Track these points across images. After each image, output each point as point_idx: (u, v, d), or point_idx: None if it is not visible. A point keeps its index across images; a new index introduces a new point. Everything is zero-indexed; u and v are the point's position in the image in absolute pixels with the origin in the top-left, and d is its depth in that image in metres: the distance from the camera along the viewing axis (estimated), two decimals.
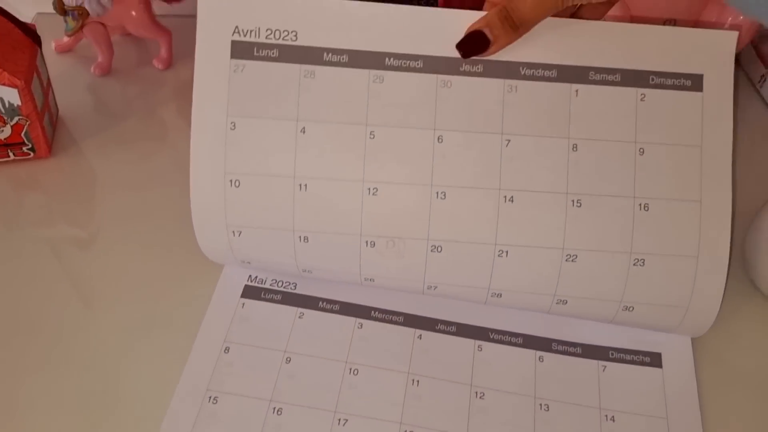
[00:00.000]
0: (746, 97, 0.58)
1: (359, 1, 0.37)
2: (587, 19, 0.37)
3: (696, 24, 0.52)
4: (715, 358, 0.40)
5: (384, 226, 0.37)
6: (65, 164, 0.50)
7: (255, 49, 0.37)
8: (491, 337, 0.40)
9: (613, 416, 0.36)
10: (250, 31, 0.37)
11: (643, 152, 0.37)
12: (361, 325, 0.40)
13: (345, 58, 0.37)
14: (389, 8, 0.36)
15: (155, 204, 0.47)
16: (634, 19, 0.52)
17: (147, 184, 0.49)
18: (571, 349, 0.39)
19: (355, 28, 0.37)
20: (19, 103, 0.46)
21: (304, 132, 0.37)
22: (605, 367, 0.39)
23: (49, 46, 0.59)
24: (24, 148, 0.49)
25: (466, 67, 0.37)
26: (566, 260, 0.37)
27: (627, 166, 0.37)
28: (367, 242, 0.38)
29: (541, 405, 0.37)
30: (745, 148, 0.53)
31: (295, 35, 0.37)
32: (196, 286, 0.42)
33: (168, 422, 0.35)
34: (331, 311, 0.40)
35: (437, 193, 0.37)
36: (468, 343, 0.39)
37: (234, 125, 0.37)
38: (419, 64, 0.37)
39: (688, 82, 0.37)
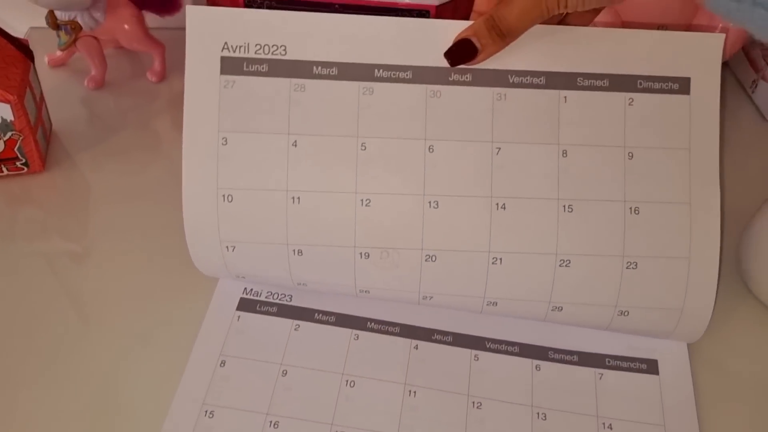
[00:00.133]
0: (738, 103, 0.59)
1: (347, 14, 0.37)
2: (574, 25, 0.38)
3: (688, 30, 0.52)
4: (711, 363, 0.40)
5: (378, 237, 0.37)
6: (59, 178, 0.50)
7: (245, 64, 0.37)
8: (488, 346, 0.40)
9: (610, 424, 0.36)
10: (239, 47, 0.37)
11: (632, 156, 0.37)
12: (357, 337, 0.40)
13: (334, 70, 0.37)
14: (377, 20, 0.37)
15: (150, 217, 0.47)
16: (625, 25, 0.52)
17: (141, 197, 0.48)
18: (568, 357, 0.39)
19: (344, 41, 0.37)
20: (12, 119, 0.46)
21: (295, 145, 0.37)
22: (602, 374, 0.39)
23: (42, 61, 0.59)
24: (17, 163, 0.49)
25: (455, 77, 0.37)
26: (560, 265, 0.37)
27: (617, 171, 0.37)
28: (361, 254, 0.38)
29: (538, 414, 0.37)
30: (738, 154, 0.53)
31: (284, 49, 0.37)
32: (191, 299, 0.42)
33: None
34: (327, 323, 0.40)
35: (430, 202, 0.37)
36: (464, 353, 0.39)
37: (225, 140, 0.37)
38: (408, 74, 0.37)
39: (676, 86, 0.37)
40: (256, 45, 0.37)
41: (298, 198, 0.37)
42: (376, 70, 0.37)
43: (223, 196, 0.38)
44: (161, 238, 0.45)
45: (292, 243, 0.38)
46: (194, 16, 0.37)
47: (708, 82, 0.37)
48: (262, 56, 0.37)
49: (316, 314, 0.41)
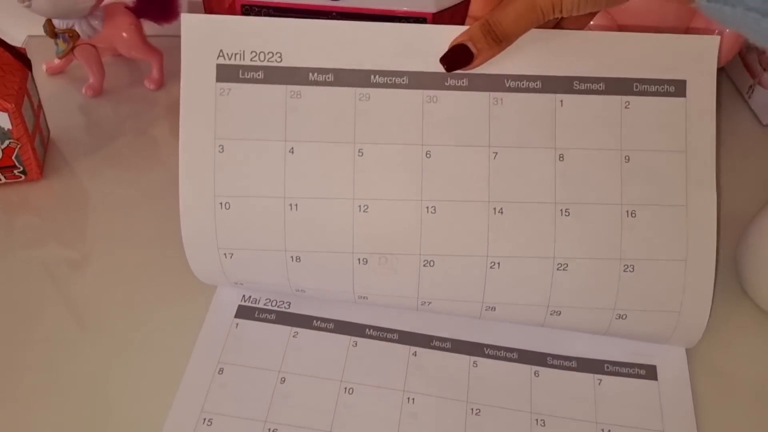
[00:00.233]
0: (735, 108, 0.59)
1: (343, 21, 0.37)
2: (570, 29, 0.38)
3: (685, 33, 0.52)
4: (709, 369, 0.40)
5: (376, 242, 0.37)
6: (57, 186, 0.50)
7: (240, 71, 0.37)
8: (486, 352, 0.40)
9: (609, 430, 0.36)
10: (235, 54, 0.37)
11: (628, 159, 0.37)
12: (356, 344, 0.40)
13: (330, 77, 0.37)
14: (372, 26, 0.37)
15: (148, 224, 0.47)
16: (621, 29, 0.53)
17: (139, 204, 0.48)
18: (567, 363, 0.39)
19: (340, 47, 0.37)
20: (10, 127, 0.46)
21: (292, 152, 0.37)
22: (601, 380, 0.39)
23: (40, 69, 0.59)
24: (15, 171, 0.48)
25: (451, 82, 0.37)
26: (557, 269, 0.37)
27: (613, 174, 0.37)
28: (359, 259, 0.38)
29: (537, 420, 0.37)
30: (735, 158, 0.53)
31: (280, 56, 0.37)
32: (189, 307, 0.41)
33: None
34: (326, 330, 0.40)
35: (427, 207, 0.37)
36: (463, 359, 0.39)
37: (222, 148, 0.37)
38: (405, 80, 0.37)
39: (672, 88, 0.37)
40: (252, 52, 0.37)
41: (296, 205, 0.37)
42: (372, 76, 0.37)
43: (221, 203, 0.38)
44: (159, 246, 0.45)
45: (290, 250, 0.38)
46: (190, 24, 0.37)
47: (704, 84, 0.37)
48: (258, 63, 0.37)
49: (315, 321, 0.41)
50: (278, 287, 0.40)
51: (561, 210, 0.37)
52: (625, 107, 0.37)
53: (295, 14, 0.51)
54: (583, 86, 0.37)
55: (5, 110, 0.45)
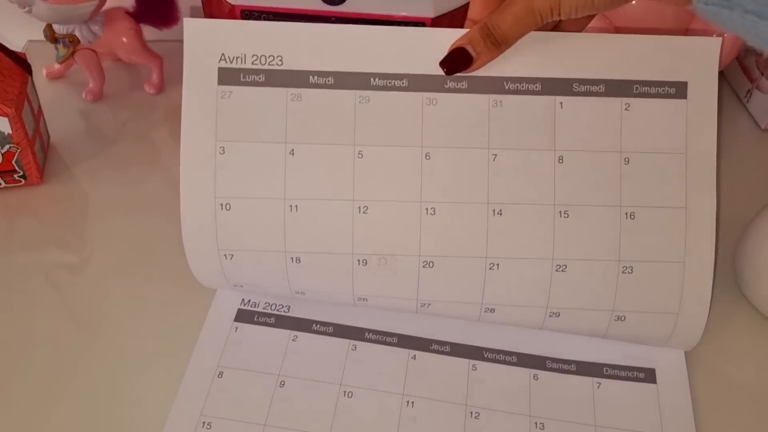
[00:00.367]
0: (733, 112, 0.59)
1: (343, 24, 0.37)
2: (569, 31, 0.38)
3: (684, 35, 0.52)
4: (708, 372, 0.40)
5: (375, 243, 0.38)
6: (57, 190, 0.50)
7: (241, 74, 0.37)
8: (485, 356, 0.40)
9: None
10: (236, 58, 0.37)
11: (628, 161, 0.37)
12: (355, 347, 0.40)
13: (330, 80, 0.37)
14: (372, 29, 0.37)
15: (148, 229, 0.47)
16: (618, 31, 0.53)
17: (139, 208, 0.49)
18: (566, 367, 0.39)
19: (340, 51, 0.37)
20: (10, 131, 0.46)
21: (293, 154, 0.37)
22: (600, 383, 0.39)
23: (40, 73, 0.59)
24: (15, 176, 0.49)
25: (451, 84, 0.37)
26: (556, 270, 0.37)
27: (612, 176, 0.37)
28: (359, 260, 0.38)
29: (536, 423, 0.37)
30: (734, 162, 0.53)
31: (281, 60, 0.37)
32: (188, 311, 0.41)
33: None
34: (325, 333, 0.40)
35: (427, 209, 0.37)
36: (462, 363, 0.39)
37: (223, 150, 0.38)
38: (404, 83, 0.37)
39: (673, 90, 0.37)
40: (253, 56, 0.37)
41: (296, 206, 0.37)
42: (371, 79, 0.37)
43: (221, 204, 0.38)
44: (159, 250, 0.45)
45: (290, 251, 0.38)
46: (191, 28, 0.37)
47: (705, 86, 0.37)
48: (259, 66, 0.37)
49: (314, 325, 0.41)
50: (278, 289, 0.40)
51: (560, 211, 0.37)
52: (625, 109, 0.37)
53: (295, 20, 0.52)
54: (583, 88, 0.37)
55: (5, 115, 0.45)
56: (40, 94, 0.52)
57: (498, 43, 0.35)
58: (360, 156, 0.37)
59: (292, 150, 0.37)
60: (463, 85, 0.37)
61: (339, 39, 0.37)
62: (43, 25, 0.54)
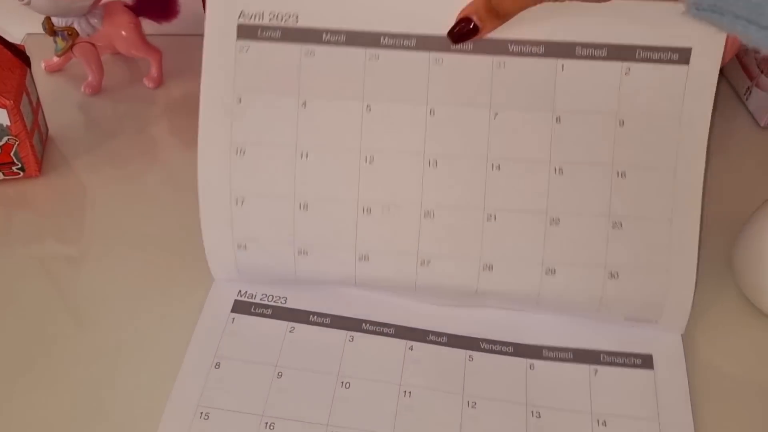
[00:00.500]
0: (732, 110, 0.59)
1: None
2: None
3: None
4: (705, 362, 0.40)
5: (380, 192, 0.40)
6: (55, 183, 0.50)
7: (259, 31, 0.39)
8: (482, 347, 0.40)
9: (604, 420, 0.36)
10: (255, 15, 0.39)
11: (623, 123, 0.38)
12: (352, 338, 0.40)
13: (342, 38, 0.39)
14: None
15: (145, 221, 0.47)
16: None
17: (137, 202, 0.49)
18: (563, 355, 0.39)
19: (352, 10, 0.38)
20: (8, 123, 0.46)
21: (305, 106, 0.39)
22: (597, 370, 0.39)
23: (39, 66, 0.59)
24: (13, 168, 0.49)
25: (457, 45, 0.38)
26: (550, 224, 0.39)
27: (607, 137, 0.38)
28: (363, 209, 0.40)
29: (533, 412, 0.37)
30: (732, 159, 0.53)
31: (296, 18, 0.39)
32: (186, 302, 0.42)
33: None
34: (322, 325, 0.40)
35: (429, 161, 0.39)
36: (459, 354, 0.39)
37: (240, 99, 0.40)
38: (413, 42, 0.38)
39: (676, 56, 0.38)
40: (270, 13, 0.39)
41: (306, 154, 0.40)
42: (382, 38, 0.39)
43: (236, 150, 0.40)
44: (156, 242, 0.45)
45: (299, 196, 0.40)
46: None
47: (710, 52, 0.37)
48: (276, 24, 0.39)
49: (311, 316, 0.41)
50: (282, 249, 0.41)
51: (555, 168, 0.39)
52: (625, 73, 0.38)
53: None
54: (585, 52, 0.38)
55: (4, 107, 0.45)
56: (38, 87, 0.52)
57: (500, 15, 0.36)
58: (368, 110, 0.39)
59: (305, 102, 0.39)
60: (468, 46, 0.38)
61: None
62: (42, 18, 0.54)
